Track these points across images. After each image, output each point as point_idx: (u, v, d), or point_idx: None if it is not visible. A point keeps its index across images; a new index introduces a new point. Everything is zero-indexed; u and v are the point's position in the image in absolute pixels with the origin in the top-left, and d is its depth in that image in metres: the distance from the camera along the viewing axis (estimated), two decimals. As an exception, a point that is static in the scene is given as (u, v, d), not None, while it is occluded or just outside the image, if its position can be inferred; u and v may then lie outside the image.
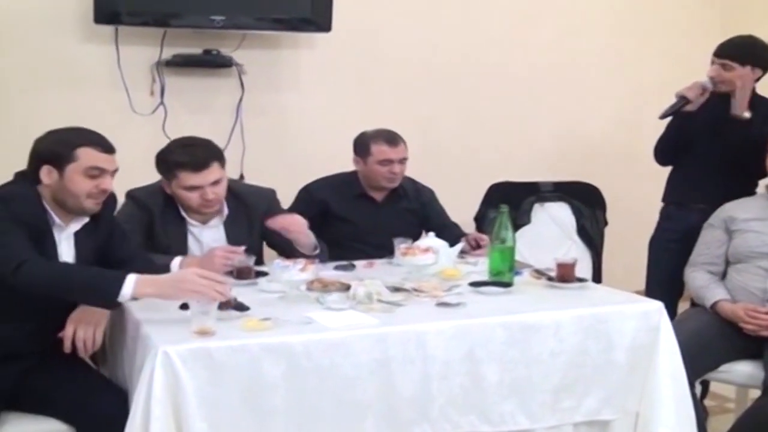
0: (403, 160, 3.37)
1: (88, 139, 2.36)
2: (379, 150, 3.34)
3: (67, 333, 2.29)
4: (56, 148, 2.33)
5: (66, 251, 2.38)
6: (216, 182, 2.83)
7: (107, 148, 2.38)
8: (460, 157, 4.47)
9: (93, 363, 2.51)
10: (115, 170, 2.40)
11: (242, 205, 2.98)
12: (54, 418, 2.25)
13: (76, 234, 2.41)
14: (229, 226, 2.96)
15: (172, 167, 2.84)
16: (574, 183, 4.27)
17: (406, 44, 4.32)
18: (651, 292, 3.28)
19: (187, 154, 2.84)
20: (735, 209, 3.01)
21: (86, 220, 2.41)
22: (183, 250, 2.86)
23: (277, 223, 2.85)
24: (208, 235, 2.93)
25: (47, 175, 2.32)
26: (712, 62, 3.27)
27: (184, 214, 2.92)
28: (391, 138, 3.37)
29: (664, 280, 3.31)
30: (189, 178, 2.81)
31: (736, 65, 3.21)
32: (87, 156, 2.33)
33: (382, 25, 4.28)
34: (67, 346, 2.30)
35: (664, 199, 3.52)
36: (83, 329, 2.30)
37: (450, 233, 3.14)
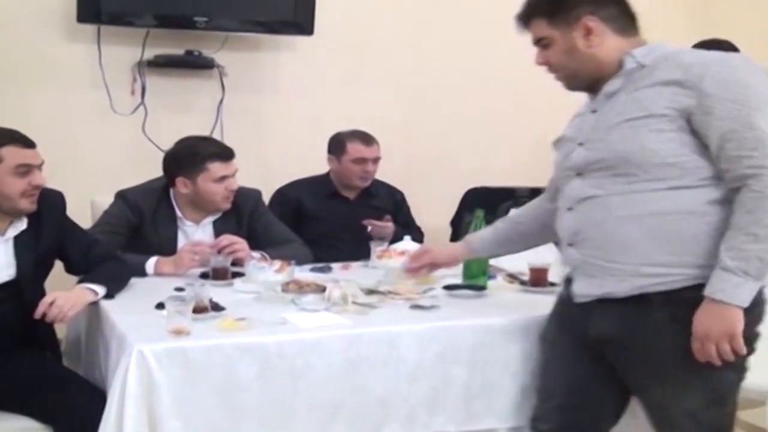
0: (376, 160, 3.48)
1: (8, 137, 2.32)
2: (355, 149, 3.44)
3: (46, 300, 2.30)
4: None
5: (3, 259, 2.36)
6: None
7: (28, 143, 2.35)
8: (440, 161, 4.50)
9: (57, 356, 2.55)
10: (41, 164, 2.37)
11: (230, 205, 3.00)
12: (26, 416, 2.24)
13: (17, 240, 2.39)
14: (218, 226, 2.99)
15: (205, 158, 2.89)
16: (551, 189, 4.29)
17: (387, 49, 4.34)
18: None
19: (215, 145, 3.00)
20: None
21: (24, 226, 2.39)
22: (173, 249, 2.88)
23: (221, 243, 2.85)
24: (198, 235, 2.96)
25: None
26: None
27: (179, 213, 2.96)
28: (366, 138, 3.47)
29: None
30: (220, 168, 2.89)
31: None
32: (12, 155, 2.30)
33: (364, 29, 4.30)
34: (38, 311, 2.30)
35: None
36: (62, 301, 2.31)
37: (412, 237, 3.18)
